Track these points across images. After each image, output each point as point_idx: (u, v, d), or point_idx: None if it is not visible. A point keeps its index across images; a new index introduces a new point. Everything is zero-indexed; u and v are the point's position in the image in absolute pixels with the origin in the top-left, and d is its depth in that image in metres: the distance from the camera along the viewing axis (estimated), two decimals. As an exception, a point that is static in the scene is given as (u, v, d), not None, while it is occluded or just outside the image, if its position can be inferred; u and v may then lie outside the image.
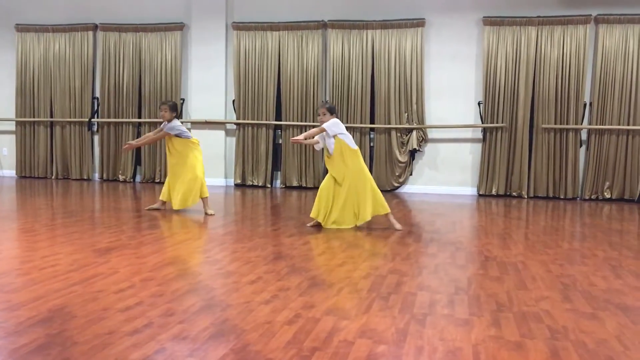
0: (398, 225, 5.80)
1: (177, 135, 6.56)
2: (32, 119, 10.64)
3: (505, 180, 9.10)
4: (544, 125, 8.88)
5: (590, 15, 8.68)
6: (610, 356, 2.57)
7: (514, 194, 9.09)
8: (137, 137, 10.16)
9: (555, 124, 8.86)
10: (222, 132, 10.02)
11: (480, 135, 9.22)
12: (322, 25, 9.51)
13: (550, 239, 5.56)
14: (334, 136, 5.67)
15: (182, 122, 7.58)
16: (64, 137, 10.56)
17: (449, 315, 3.09)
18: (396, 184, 9.47)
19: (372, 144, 9.55)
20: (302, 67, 9.56)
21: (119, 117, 10.29)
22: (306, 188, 9.62)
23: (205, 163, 6.83)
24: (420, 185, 9.51)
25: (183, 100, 10.00)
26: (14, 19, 10.65)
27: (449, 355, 2.54)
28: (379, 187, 6.01)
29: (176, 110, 6.70)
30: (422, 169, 9.51)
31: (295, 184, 9.74)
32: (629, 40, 8.60)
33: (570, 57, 8.72)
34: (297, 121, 9.61)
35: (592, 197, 8.90)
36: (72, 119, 10.44)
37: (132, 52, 10.17)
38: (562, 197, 8.95)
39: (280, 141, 9.86)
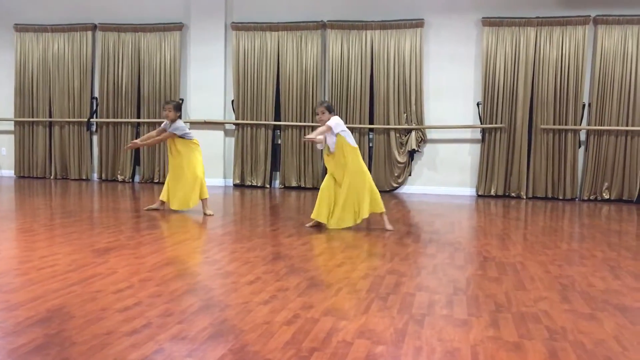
0: (389, 226, 5.81)
1: (181, 136, 6.57)
2: (30, 119, 10.63)
3: (504, 180, 9.11)
4: (542, 126, 8.88)
5: (589, 16, 8.69)
6: (608, 357, 2.57)
7: (513, 194, 9.09)
8: (136, 137, 10.15)
9: (554, 124, 8.87)
10: (221, 133, 10.02)
11: (479, 135, 9.23)
12: (321, 26, 9.51)
13: (549, 239, 5.56)
14: (336, 134, 5.68)
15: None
16: (62, 137, 10.56)
17: (447, 316, 3.09)
18: (395, 185, 9.47)
19: (371, 145, 9.55)
20: (301, 68, 9.56)
21: (117, 117, 10.28)
22: (305, 188, 9.62)
23: (204, 163, 6.83)
24: (419, 186, 9.51)
25: (182, 100, 10.00)
26: (13, 19, 10.65)
27: (448, 356, 2.54)
28: (378, 188, 6.03)
29: (180, 110, 6.72)
30: (421, 170, 9.52)
31: (294, 184, 9.74)
32: (627, 41, 8.61)
33: (569, 57, 8.73)
34: (296, 121, 9.61)
35: (591, 197, 8.90)
36: (71, 119, 10.43)
37: (131, 52, 10.16)
38: (560, 197, 8.95)
39: (279, 141, 9.86)
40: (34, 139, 10.70)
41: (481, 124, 9.12)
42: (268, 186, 9.85)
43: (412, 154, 9.40)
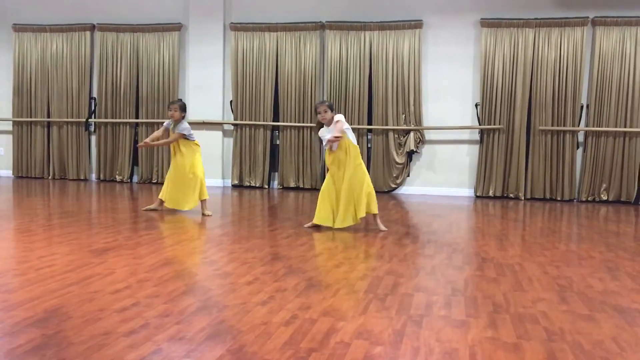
0: (383, 227, 5.81)
1: (186, 137, 6.56)
2: (29, 119, 10.62)
3: (502, 181, 9.12)
4: (541, 127, 8.89)
5: (588, 17, 8.70)
6: (606, 357, 2.58)
7: (511, 195, 9.10)
8: (135, 138, 10.17)
9: (552, 125, 8.88)
10: (220, 133, 10.02)
11: (477, 136, 9.24)
12: (320, 26, 9.51)
13: (547, 240, 5.56)
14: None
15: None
16: (61, 137, 10.55)
17: (445, 317, 3.09)
18: (393, 185, 9.47)
19: (369, 145, 9.55)
20: (299, 68, 9.56)
21: (116, 118, 10.28)
22: (303, 189, 9.62)
23: (203, 164, 6.82)
24: (417, 187, 9.51)
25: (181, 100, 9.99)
26: (11, 19, 10.64)
27: (446, 357, 2.54)
28: (376, 189, 6.03)
29: (185, 110, 6.69)
30: (419, 171, 9.52)
31: (292, 185, 9.74)
32: (625, 42, 8.62)
33: (567, 59, 8.75)
34: (295, 122, 9.62)
35: (589, 199, 8.91)
36: (69, 119, 10.42)
37: (130, 52, 10.16)
38: (559, 198, 8.96)
39: (278, 142, 9.86)
40: (32, 139, 10.68)
41: (479, 125, 9.13)
42: (266, 187, 9.85)
43: (410, 154, 9.41)
